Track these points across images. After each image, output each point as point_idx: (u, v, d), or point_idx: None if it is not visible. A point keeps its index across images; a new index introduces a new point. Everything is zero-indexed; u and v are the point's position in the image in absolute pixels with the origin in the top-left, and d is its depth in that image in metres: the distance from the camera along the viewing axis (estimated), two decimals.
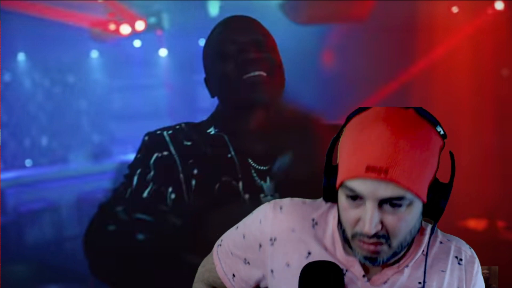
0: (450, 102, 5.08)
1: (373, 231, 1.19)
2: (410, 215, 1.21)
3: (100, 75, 6.40)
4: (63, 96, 6.56)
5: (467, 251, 1.35)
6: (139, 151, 2.22)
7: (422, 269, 1.29)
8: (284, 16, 4.89)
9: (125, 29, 5.29)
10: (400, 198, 1.18)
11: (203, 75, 2.28)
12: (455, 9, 5.03)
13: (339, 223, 1.28)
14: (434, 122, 1.24)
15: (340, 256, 1.32)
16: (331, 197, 1.30)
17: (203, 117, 2.31)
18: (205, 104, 2.51)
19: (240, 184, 2.13)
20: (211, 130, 2.22)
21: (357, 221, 1.22)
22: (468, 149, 4.98)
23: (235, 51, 2.15)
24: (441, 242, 1.34)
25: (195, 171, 2.14)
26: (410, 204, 1.20)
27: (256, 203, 2.11)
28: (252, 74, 2.12)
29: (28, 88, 6.31)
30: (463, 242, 1.37)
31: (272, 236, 1.36)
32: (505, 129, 4.97)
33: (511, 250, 4.29)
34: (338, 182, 1.24)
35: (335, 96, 4.63)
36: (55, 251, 5.33)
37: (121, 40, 5.49)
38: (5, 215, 5.37)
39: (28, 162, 6.43)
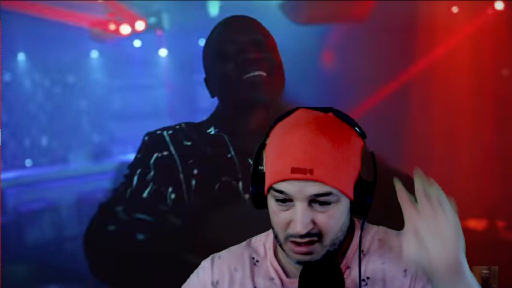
0: (450, 102, 5.08)
1: (305, 230, 1.23)
2: (339, 212, 1.26)
3: (100, 75, 6.40)
4: (63, 96, 6.55)
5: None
6: (139, 151, 2.22)
7: (363, 267, 1.33)
8: (284, 16, 4.89)
9: (125, 29, 5.29)
10: (327, 194, 1.23)
11: (203, 75, 2.28)
12: (455, 9, 5.02)
13: (273, 230, 1.32)
14: (352, 124, 1.30)
15: (286, 282, 1.35)
16: (261, 204, 1.33)
17: (203, 117, 2.31)
18: (205, 104, 2.51)
19: (240, 184, 2.13)
20: (211, 130, 2.22)
21: (288, 223, 1.26)
22: (468, 149, 4.99)
23: (235, 51, 2.15)
24: (379, 239, 1.37)
25: (195, 171, 2.15)
26: (337, 201, 1.25)
27: None
28: (252, 74, 2.12)
29: (28, 88, 6.31)
30: (401, 232, 1.38)
31: (214, 280, 1.39)
32: (505, 129, 4.97)
33: (511, 250, 4.29)
34: (266, 187, 1.29)
35: (335, 96, 4.62)
36: (55, 251, 5.33)
37: (121, 40, 5.48)
38: (5, 215, 5.36)
39: (28, 162, 6.43)
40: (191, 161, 2.16)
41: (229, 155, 2.17)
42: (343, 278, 1.25)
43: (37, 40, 5.63)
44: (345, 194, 1.25)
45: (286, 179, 1.23)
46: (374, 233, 1.38)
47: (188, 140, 2.21)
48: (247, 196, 2.13)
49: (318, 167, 1.22)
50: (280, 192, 1.24)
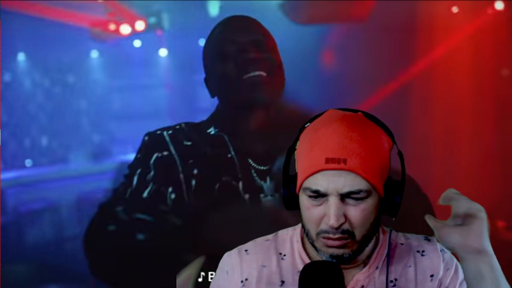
0: (450, 102, 5.07)
1: (337, 224, 1.25)
2: (371, 207, 1.29)
3: (100, 75, 6.40)
4: (63, 96, 6.55)
5: (426, 243, 1.41)
6: (139, 151, 2.23)
7: (390, 269, 1.35)
8: (284, 16, 4.89)
9: (125, 29, 5.29)
10: (360, 191, 1.26)
11: (203, 75, 2.29)
12: (455, 9, 5.02)
13: (303, 229, 1.34)
14: (381, 124, 1.34)
15: None
16: (292, 205, 1.36)
17: (203, 117, 2.31)
18: (205, 104, 2.52)
19: (240, 184, 2.13)
20: (211, 130, 2.22)
21: (321, 219, 1.28)
22: (468, 149, 4.98)
23: (235, 51, 2.16)
24: (402, 244, 1.40)
25: (195, 171, 2.15)
26: (369, 196, 1.28)
27: (256, 203, 2.11)
28: (252, 74, 2.13)
29: (28, 88, 6.30)
30: (421, 237, 1.43)
31: (243, 278, 1.38)
32: (505, 129, 4.97)
33: (511, 250, 4.28)
34: (298, 185, 1.32)
35: (335, 96, 4.63)
36: (55, 251, 5.32)
37: (121, 40, 5.48)
38: (5, 215, 5.36)
39: (28, 162, 6.42)
40: (191, 161, 2.17)
41: (229, 155, 2.18)
42: (343, 278, 1.25)
43: (37, 40, 5.62)
44: (377, 189, 1.28)
45: (320, 170, 1.26)
46: (395, 237, 1.41)
47: (188, 140, 2.22)
48: (247, 196, 2.13)
49: (352, 157, 1.25)
50: (314, 185, 1.26)
